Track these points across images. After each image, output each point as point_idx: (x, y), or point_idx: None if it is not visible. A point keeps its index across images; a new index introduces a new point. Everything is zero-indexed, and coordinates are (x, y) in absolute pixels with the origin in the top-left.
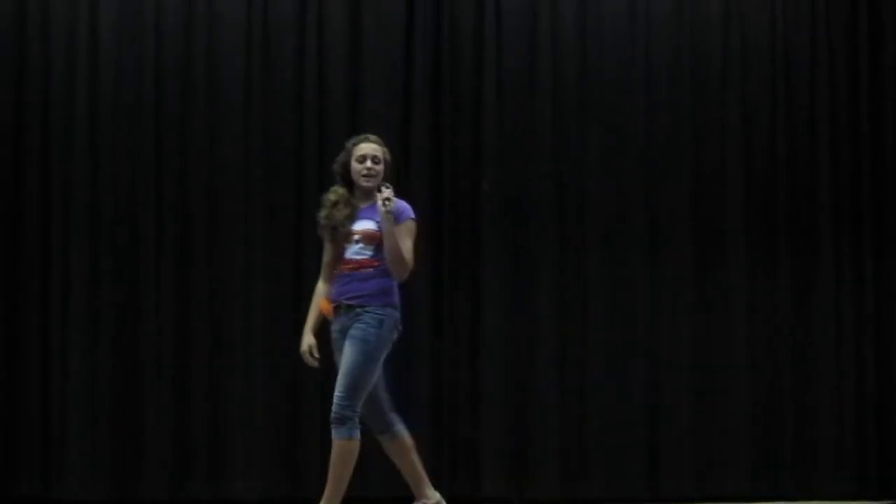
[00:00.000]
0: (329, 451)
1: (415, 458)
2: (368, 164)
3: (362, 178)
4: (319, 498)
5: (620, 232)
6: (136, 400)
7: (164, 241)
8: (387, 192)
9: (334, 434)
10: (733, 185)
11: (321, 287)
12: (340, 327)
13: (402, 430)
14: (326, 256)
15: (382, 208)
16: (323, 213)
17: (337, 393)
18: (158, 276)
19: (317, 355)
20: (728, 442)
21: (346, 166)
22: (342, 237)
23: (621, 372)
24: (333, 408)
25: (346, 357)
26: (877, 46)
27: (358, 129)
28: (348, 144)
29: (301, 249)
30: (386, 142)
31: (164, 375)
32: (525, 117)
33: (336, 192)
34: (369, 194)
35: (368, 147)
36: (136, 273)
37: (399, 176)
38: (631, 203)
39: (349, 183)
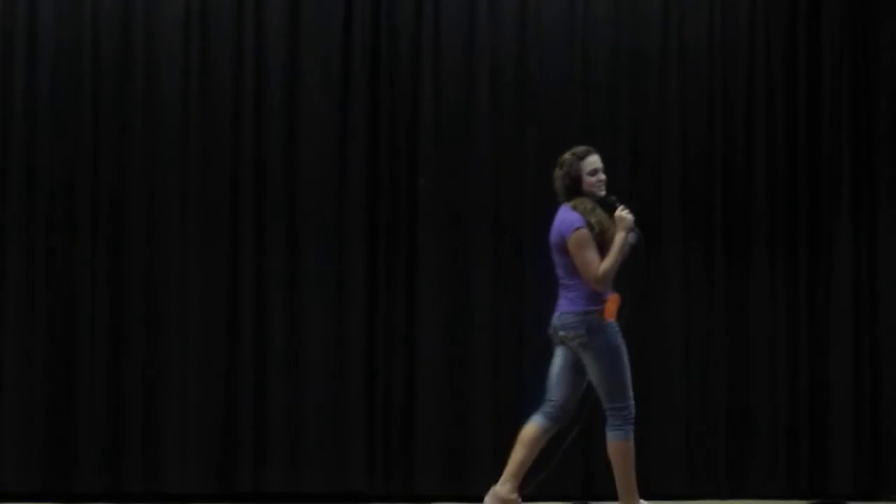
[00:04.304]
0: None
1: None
2: (601, 175)
3: (597, 189)
4: (256, 492)
5: None
6: (70, 395)
7: (99, 235)
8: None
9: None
10: (670, 183)
11: None
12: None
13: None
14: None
15: (635, 228)
16: (592, 219)
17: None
18: (94, 272)
19: None
20: (664, 442)
21: (577, 179)
22: (606, 242)
23: None
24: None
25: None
26: (815, 49)
27: (295, 129)
28: (569, 158)
29: (236, 243)
30: (323, 140)
31: (97, 369)
32: (462, 115)
33: (584, 202)
34: None
35: (597, 160)
36: (71, 270)
37: (336, 174)
38: None
39: (576, 195)
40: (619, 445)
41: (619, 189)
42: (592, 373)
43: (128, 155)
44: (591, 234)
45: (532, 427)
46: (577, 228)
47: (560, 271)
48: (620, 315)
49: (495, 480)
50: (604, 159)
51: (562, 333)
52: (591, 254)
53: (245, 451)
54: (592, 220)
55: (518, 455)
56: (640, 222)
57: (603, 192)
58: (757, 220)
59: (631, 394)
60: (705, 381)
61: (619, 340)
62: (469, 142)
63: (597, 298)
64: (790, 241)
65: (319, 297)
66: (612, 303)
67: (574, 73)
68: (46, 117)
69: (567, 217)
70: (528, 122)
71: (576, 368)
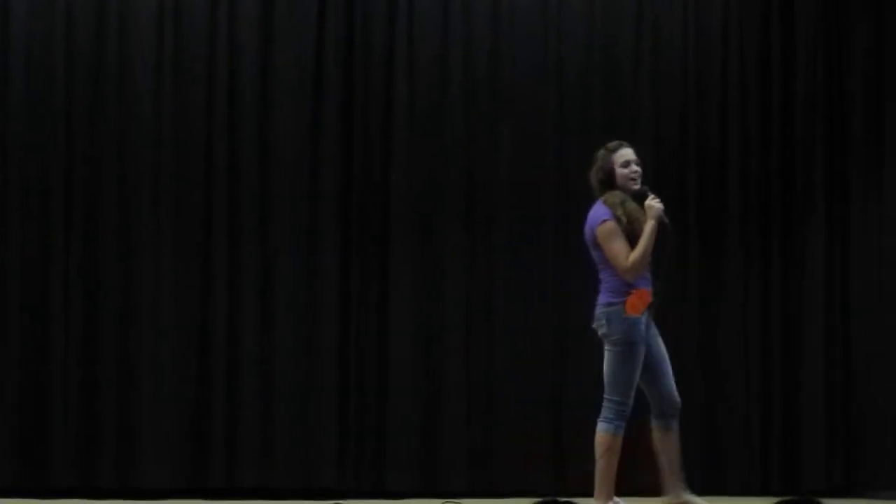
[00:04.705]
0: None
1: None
2: (634, 167)
3: (631, 182)
4: (228, 487)
5: (530, 225)
6: (43, 390)
7: (72, 231)
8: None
9: (673, 426)
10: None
11: None
12: (646, 321)
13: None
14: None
15: (664, 217)
16: (619, 212)
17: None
18: (67, 267)
19: None
20: (636, 434)
21: (610, 172)
22: (636, 234)
23: (527, 364)
24: (678, 402)
25: (665, 356)
26: (789, 47)
27: (268, 124)
28: (602, 152)
29: (209, 239)
30: (296, 135)
31: (70, 364)
32: (436, 110)
33: (615, 195)
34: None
35: (630, 152)
36: (45, 264)
37: (309, 169)
38: (540, 197)
39: (610, 188)
40: (605, 438)
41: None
42: (605, 361)
43: (101, 150)
44: (619, 226)
45: (653, 433)
46: (604, 221)
47: (597, 266)
48: (648, 314)
49: (467, 477)
50: (576, 155)
51: (594, 326)
52: (619, 245)
53: (217, 448)
54: (619, 212)
55: (660, 464)
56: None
57: (637, 185)
58: (730, 221)
59: (633, 393)
60: (678, 379)
61: (638, 338)
62: (442, 137)
63: (622, 292)
64: (764, 242)
65: (292, 293)
66: (636, 298)
67: (548, 67)
68: (20, 111)
69: (596, 212)
70: (501, 117)
71: (645, 367)
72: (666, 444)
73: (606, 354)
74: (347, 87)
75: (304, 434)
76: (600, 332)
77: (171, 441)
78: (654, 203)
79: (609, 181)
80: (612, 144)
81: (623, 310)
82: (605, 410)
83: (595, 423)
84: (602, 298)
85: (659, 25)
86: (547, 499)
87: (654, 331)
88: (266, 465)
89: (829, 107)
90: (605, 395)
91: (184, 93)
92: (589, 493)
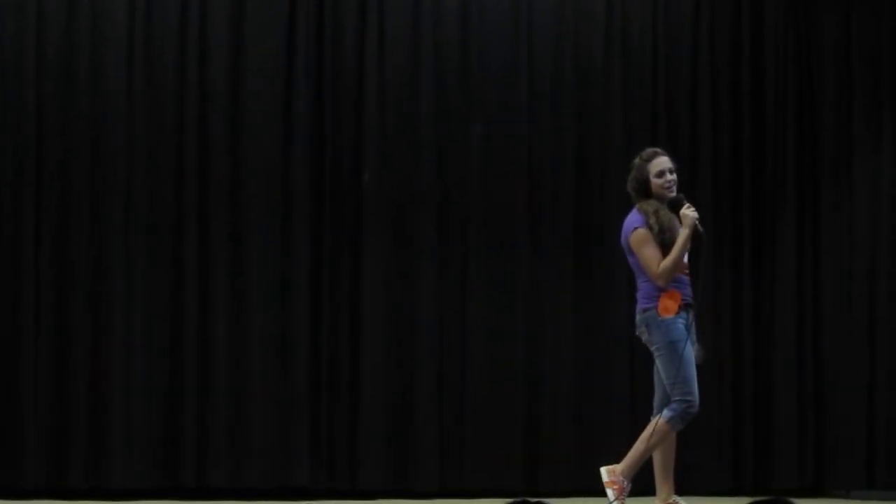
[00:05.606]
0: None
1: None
2: (668, 176)
3: (666, 191)
4: (200, 487)
5: (503, 223)
6: (14, 391)
7: (45, 225)
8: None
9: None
10: (615, 179)
11: None
12: (685, 325)
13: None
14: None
15: (698, 225)
16: (652, 220)
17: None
18: (38, 264)
19: None
20: (606, 435)
21: (645, 182)
22: (669, 241)
23: (500, 364)
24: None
25: (697, 357)
26: (758, 39)
27: (239, 123)
28: (637, 161)
29: (180, 237)
30: (267, 135)
31: (41, 364)
32: (407, 107)
33: (650, 203)
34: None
35: (664, 161)
36: (16, 261)
37: (281, 168)
38: (513, 194)
39: (645, 196)
40: (660, 424)
41: (563, 184)
42: (659, 366)
43: (73, 145)
44: (651, 234)
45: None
46: (636, 229)
47: (633, 272)
48: (688, 316)
49: (439, 477)
50: (548, 154)
51: (636, 333)
52: (650, 251)
53: (189, 447)
54: (652, 220)
55: (655, 465)
56: (583, 217)
57: (672, 193)
58: (700, 212)
59: (693, 390)
60: (650, 377)
61: (678, 336)
62: (414, 135)
63: (655, 297)
64: (735, 239)
65: (263, 292)
66: (668, 299)
67: (518, 66)
68: None
69: (630, 219)
70: (472, 117)
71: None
72: (663, 446)
73: (656, 361)
74: (319, 83)
75: (276, 433)
76: (643, 339)
77: (142, 440)
78: (688, 212)
79: (644, 190)
80: (646, 153)
81: (657, 313)
82: (674, 403)
83: (568, 423)
84: (639, 305)
85: (629, 19)
86: (518, 499)
87: (693, 337)
88: (238, 464)
89: (800, 97)
90: (672, 396)
91: (155, 88)
92: (560, 494)
